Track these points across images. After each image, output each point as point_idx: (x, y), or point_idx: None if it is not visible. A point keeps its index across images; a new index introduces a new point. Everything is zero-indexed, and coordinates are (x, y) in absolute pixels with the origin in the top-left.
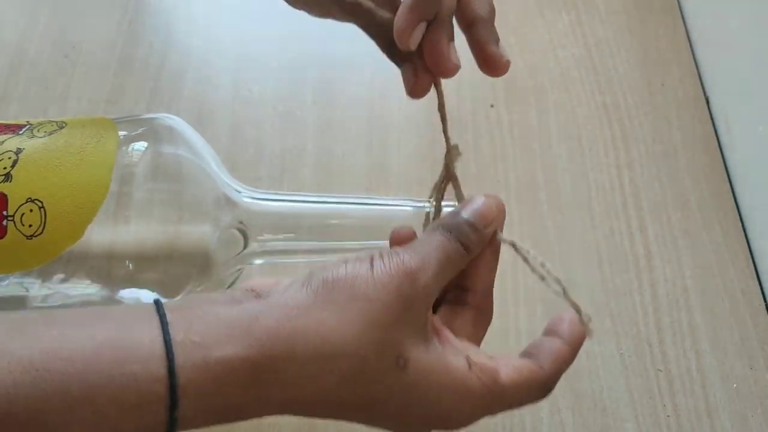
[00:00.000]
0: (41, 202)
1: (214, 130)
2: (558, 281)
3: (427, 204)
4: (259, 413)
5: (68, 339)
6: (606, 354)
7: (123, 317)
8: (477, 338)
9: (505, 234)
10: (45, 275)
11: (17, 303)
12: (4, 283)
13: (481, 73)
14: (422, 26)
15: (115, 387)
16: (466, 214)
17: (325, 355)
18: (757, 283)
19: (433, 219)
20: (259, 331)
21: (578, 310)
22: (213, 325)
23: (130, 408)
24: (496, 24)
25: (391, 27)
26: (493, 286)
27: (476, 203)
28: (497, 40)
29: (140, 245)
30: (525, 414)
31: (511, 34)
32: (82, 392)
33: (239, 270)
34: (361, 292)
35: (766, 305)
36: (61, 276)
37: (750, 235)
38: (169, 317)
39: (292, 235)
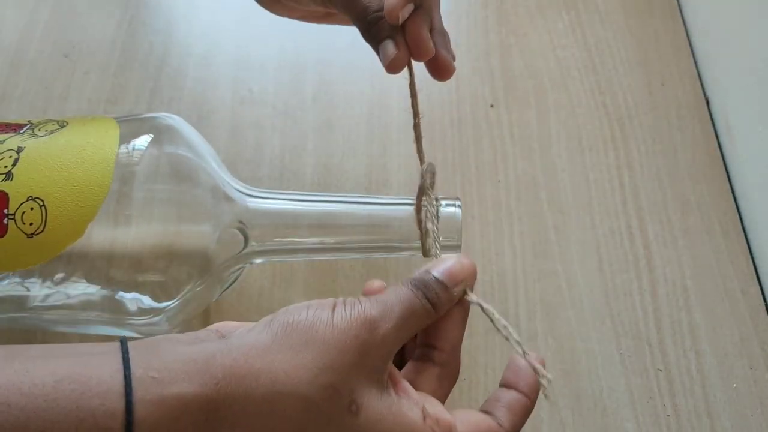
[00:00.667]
0: (42, 200)
1: (214, 130)
2: (519, 344)
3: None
4: None
5: (30, 373)
6: (606, 354)
7: (87, 352)
8: (442, 395)
9: (506, 233)
10: (45, 274)
11: (18, 303)
12: (5, 282)
13: (481, 73)
14: (410, 6)
15: (72, 422)
16: (436, 272)
17: (277, 395)
18: (757, 283)
19: (418, 223)
20: (216, 369)
21: (537, 372)
22: (172, 361)
23: None
24: (495, 23)
25: (371, 9)
26: (460, 345)
27: (447, 262)
28: (449, 49)
29: (140, 244)
30: None
31: (511, 34)
32: (40, 428)
33: (240, 269)
34: (319, 336)
35: (766, 305)
36: (61, 275)
37: (750, 235)
38: (131, 353)
39: (292, 234)
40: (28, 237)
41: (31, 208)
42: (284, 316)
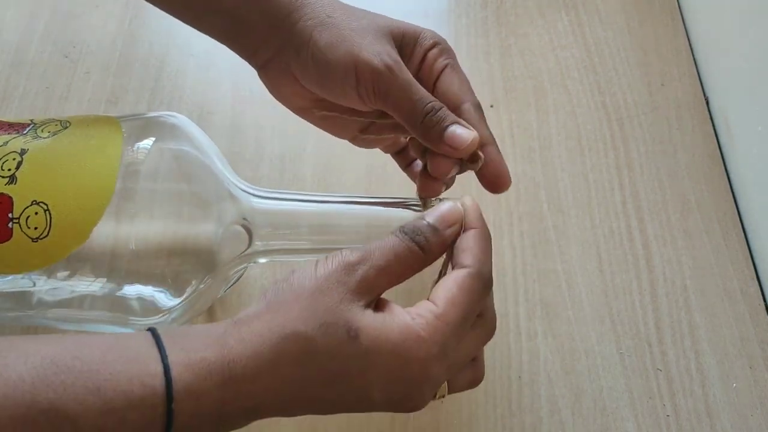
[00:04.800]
0: (46, 204)
1: (214, 130)
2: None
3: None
4: (239, 409)
5: (81, 342)
6: (606, 354)
7: (121, 336)
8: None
9: (506, 233)
10: (50, 271)
11: (22, 300)
12: (9, 277)
13: (480, 73)
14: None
15: (120, 382)
16: (428, 217)
17: (277, 342)
18: (757, 283)
19: None
20: (227, 339)
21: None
22: (193, 338)
23: (134, 400)
24: (495, 23)
25: (427, 99)
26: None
27: (440, 207)
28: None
29: (145, 243)
30: (525, 414)
31: (511, 34)
32: (95, 385)
33: (243, 268)
34: (306, 288)
35: (766, 305)
36: (66, 274)
37: (750, 235)
38: (162, 336)
39: (295, 233)
40: (32, 241)
41: (36, 213)
42: (275, 284)
